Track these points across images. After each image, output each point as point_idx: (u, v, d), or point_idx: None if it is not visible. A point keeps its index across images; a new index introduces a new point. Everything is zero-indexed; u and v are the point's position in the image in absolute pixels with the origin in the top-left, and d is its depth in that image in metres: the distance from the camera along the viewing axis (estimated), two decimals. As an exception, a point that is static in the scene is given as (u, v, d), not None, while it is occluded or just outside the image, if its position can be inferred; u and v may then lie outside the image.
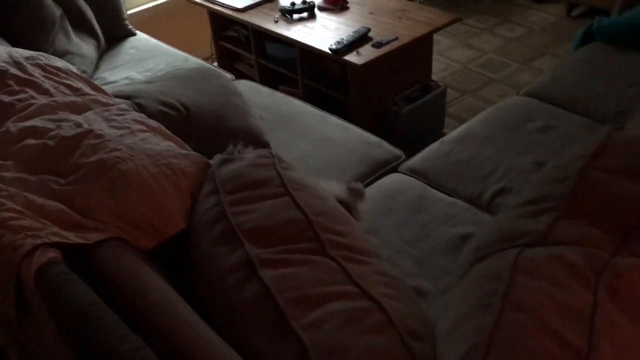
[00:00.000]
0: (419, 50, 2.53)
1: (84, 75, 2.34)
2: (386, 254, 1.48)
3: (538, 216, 1.07)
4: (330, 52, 2.32)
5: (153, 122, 1.45)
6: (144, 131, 1.36)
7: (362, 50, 2.32)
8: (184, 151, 1.32)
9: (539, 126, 1.88)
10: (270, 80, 2.87)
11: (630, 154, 1.14)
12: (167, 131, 1.45)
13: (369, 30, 2.41)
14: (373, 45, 2.33)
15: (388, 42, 2.34)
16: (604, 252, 0.97)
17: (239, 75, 2.99)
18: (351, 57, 2.29)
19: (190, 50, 3.07)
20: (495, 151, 1.80)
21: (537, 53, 3.35)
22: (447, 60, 3.37)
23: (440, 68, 3.29)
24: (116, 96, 1.88)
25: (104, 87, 2.23)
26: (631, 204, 1.05)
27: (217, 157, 1.33)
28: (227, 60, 3.09)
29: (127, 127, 1.36)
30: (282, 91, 2.81)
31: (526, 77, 3.13)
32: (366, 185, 1.78)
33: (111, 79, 2.44)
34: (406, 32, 2.40)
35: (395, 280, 1.05)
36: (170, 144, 1.35)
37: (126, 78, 2.42)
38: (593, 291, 0.88)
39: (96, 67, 2.55)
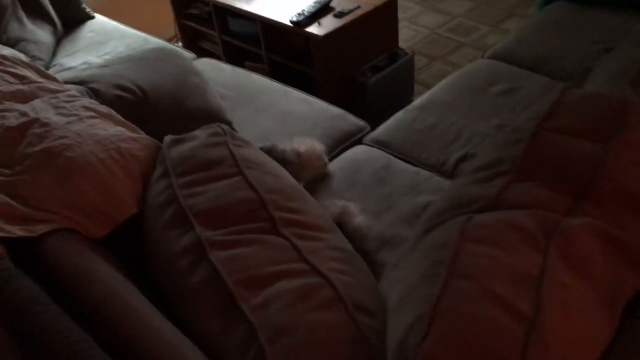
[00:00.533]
0: (383, 17, 2.48)
1: (40, 62, 2.29)
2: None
3: (490, 181, 1.06)
4: (291, 25, 2.28)
5: (103, 108, 1.41)
6: (93, 117, 1.33)
7: (323, 21, 2.28)
8: (134, 135, 1.29)
9: (503, 89, 1.86)
10: (236, 57, 2.81)
11: (582, 112, 1.12)
12: (118, 116, 1.41)
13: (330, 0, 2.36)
14: (335, 15, 2.29)
15: (350, 11, 2.30)
16: (556, 213, 0.96)
17: (205, 53, 2.93)
18: (313, 29, 2.24)
19: (154, 31, 3.00)
20: (459, 117, 1.77)
21: (506, 14, 3.31)
22: (415, 26, 3.32)
23: (409, 35, 3.24)
24: (70, 82, 1.83)
25: (63, 73, 2.18)
26: (584, 163, 1.03)
27: (167, 139, 1.30)
28: (191, 39, 3.03)
29: (76, 114, 1.32)
30: (248, 67, 2.76)
31: (495, 39, 3.10)
32: (331, 159, 1.76)
33: (70, 64, 2.37)
34: (369, 0, 2.36)
35: (348, 255, 1.04)
36: (121, 128, 1.31)
37: (84, 63, 2.35)
38: (543, 254, 0.87)
39: (54, 53, 2.48)
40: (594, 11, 2.15)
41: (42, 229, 1.10)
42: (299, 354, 0.83)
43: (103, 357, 0.85)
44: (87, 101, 1.41)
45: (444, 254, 0.88)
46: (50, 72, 2.34)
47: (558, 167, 1.04)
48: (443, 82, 1.97)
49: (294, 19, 2.27)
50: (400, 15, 3.38)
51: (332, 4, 2.35)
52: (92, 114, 1.34)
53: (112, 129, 1.28)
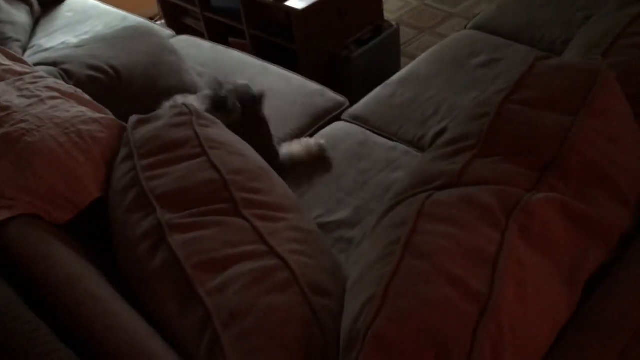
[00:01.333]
0: (366, -11, 2.43)
1: (17, 44, 2.25)
2: (323, 207, 1.44)
3: (455, 156, 1.03)
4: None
5: (68, 87, 1.38)
6: (55, 98, 1.30)
7: (304, -6, 2.23)
8: (95, 115, 1.26)
9: (484, 60, 1.83)
10: (219, 33, 2.77)
11: (550, 83, 1.09)
12: (84, 95, 1.38)
13: (311, -28, 2.31)
14: (315, -12, 2.24)
15: (331, -16, 2.25)
16: (520, 188, 0.94)
17: (188, 30, 2.88)
18: (293, 3, 2.20)
19: (137, 9, 2.96)
20: (438, 90, 1.74)
21: (496, -17, 3.24)
22: (404, -2, 3.26)
23: (396, 7, 3.19)
24: (43, 64, 1.80)
25: (40, 55, 2.15)
26: (550, 136, 1.00)
27: (132, 119, 1.27)
28: (173, 16, 2.98)
29: (37, 96, 1.29)
30: (232, 44, 2.72)
31: (484, 9, 3.03)
32: (309, 136, 1.73)
33: (47, 45, 2.34)
34: (350, -28, 2.31)
35: (308, 235, 1.02)
36: (83, 109, 1.28)
37: (63, 43, 2.32)
38: (502, 231, 0.85)
39: (32, 33, 2.44)
40: (579, -22, 2.10)
41: (3, 215, 1.09)
42: (252, 336, 0.81)
43: (56, 345, 0.85)
44: (51, 81, 1.38)
45: (401, 232, 0.86)
46: (28, 53, 2.31)
47: (524, 141, 1.02)
48: (423, 55, 1.93)
49: (274, -7, 2.22)
50: (388, -14, 3.32)
51: (313, -23, 2.30)
52: (55, 94, 1.31)
53: (74, 110, 1.25)
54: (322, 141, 1.61)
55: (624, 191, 0.97)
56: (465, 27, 2.10)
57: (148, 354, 0.85)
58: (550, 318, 0.82)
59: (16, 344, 0.83)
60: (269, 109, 1.77)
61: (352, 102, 1.87)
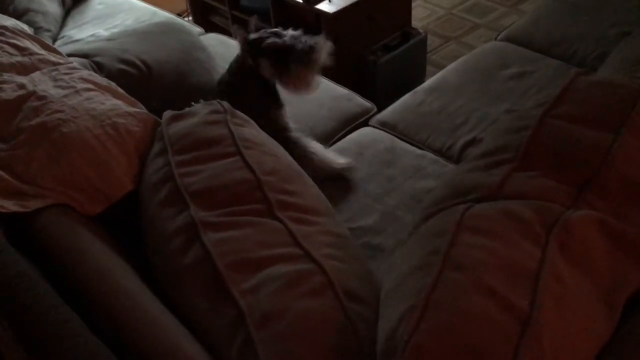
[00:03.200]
0: (396, -4, 2.43)
1: (47, 33, 2.27)
2: (349, 212, 1.44)
3: (493, 168, 1.02)
4: (301, 1, 2.23)
5: (102, 80, 1.38)
6: (90, 90, 1.30)
7: (334, -2, 2.23)
8: (131, 109, 1.26)
9: (515, 72, 1.81)
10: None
11: (591, 99, 1.08)
12: (117, 88, 1.38)
13: (342, -24, 2.31)
14: (346, -8, 2.24)
15: (362, -11, 2.25)
16: (558, 204, 0.93)
17: (215, 28, 2.89)
18: (323, 6, 2.20)
19: (166, 4, 2.96)
20: (468, 100, 1.73)
21: (524, -5, 3.23)
22: (431, 5, 3.25)
23: (423, 14, 3.18)
24: (75, 55, 1.81)
25: (70, 46, 2.16)
26: (589, 153, 0.99)
27: (167, 114, 1.27)
28: (202, 13, 2.99)
29: (73, 87, 1.30)
30: (258, 44, 2.72)
31: (512, 21, 3.01)
32: (336, 141, 1.73)
33: (77, 36, 2.35)
34: (382, -23, 2.30)
35: (342, 240, 1.01)
36: (118, 102, 1.29)
37: (92, 35, 2.33)
38: (542, 247, 0.84)
39: (63, 24, 2.46)
40: (613, -7, 2.08)
41: (35, 204, 1.09)
42: (286, 340, 0.81)
43: (88, 337, 0.84)
44: (86, 73, 1.39)
45: (440, 243, 0.85)
46: (58, 43, 2.32)
47: (563, 156, 1.01)
48: (453, 65, 1.92)
49: (305, -5, 2.22)
50: (415, -7, 3.31)
51: (344, -19, 2.30)
52: (90, 85, 1.32)
53: (109, 103, 1.26)
54: (353, 163, 1.56)
55: (664, 212, 0.95)
56: (495, 38, 2.09)
57: (176, 350, 0.85)
58: (589, 337, 0.81)
59: (49, 333, 0.83)
60: (296, 111, 1.77)
61: (377, 106, 1.87)
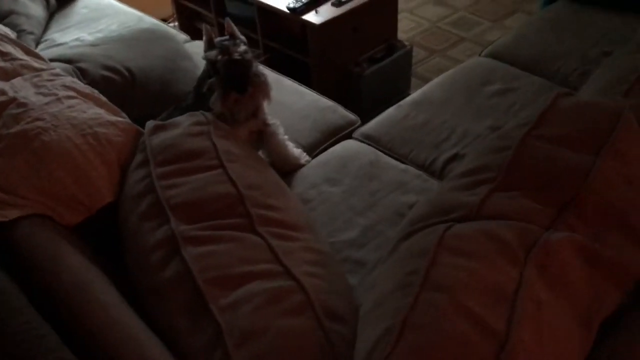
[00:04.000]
0: (382, 8, 2.44)
1: (30, 36, 2.24)
2: (331, 226, 1.43)
3: (474, 188, 1.03)
4: (287, 11, 2.23)
5: (85, 87, 1.37)
6: (72, 98, 1.29)
7: (321, 9, 2.23)
8: (112, 118, 1.25)
9: (499, 89, 1.83)
10: (232, 40, 2.76)
11: (572, 121, 1.10)
12: (100, 96, 1.37)
13: (329, -13, 2.31)
14: (333, 4, 2.25)
15: (349, 1, 2.26)
16: (537, 226, 0.94)
17: (201, 35, 2.88)
18: (310, 17, 2.20)
19: (152, 9, 2.95)
20: (452, 115, 1.74)
21: (509, 10, 3.26)
22: (417, 18, 3.28)
23: (409, 27, 3.20)
24: (58, 60, 1.79)
25: (53, 50, 2.14)
26: (570, 175, 1.00)
27: (150, 124, 1.27)
28: (188, 19, 2.98)
29: (54, 94, 1.29)
30: (244, 52, 2.71)
31: (497, 35, 3.05)
32: (319, 153, 1.73)
33: (61, 40, 2.32)
34: (368, -10, 2.31)
35: (323, 257, 1.01)
36: (100, 111, 1.28)
37: (76, 39, 2.30)
38: (520, 268, 0.85)
39: (46, 27, 2.43)
40: (596, 12, 2.11)
41: (14, 213, 1.08)
42: (264, 359, 0.81)
43: (64, 353, 0.83)
44: (68, 80, 1.38)
45: (420, 263, 0.85)
46: (41, 47, 2.30)
47: (543, 178, 1.02)
48: (438, 79, 1.94)
49: (291, 5, 2.23)
50: (401, 5, 3.32)
51: (331, -8, 2.31)
52: (72, 93, 1.31)
53: (91, 111, 1.24)
54: (308, 159, 1.64)
55: (640, 235, 0.97)
56: (480, 54, 2.11)
57: (157, 369, 0.84)
58: (565, 358, 0.81)
59: (24, 349, 0.82)
60: (280, 122, 1.77)
61: (362, 118, 1.87)
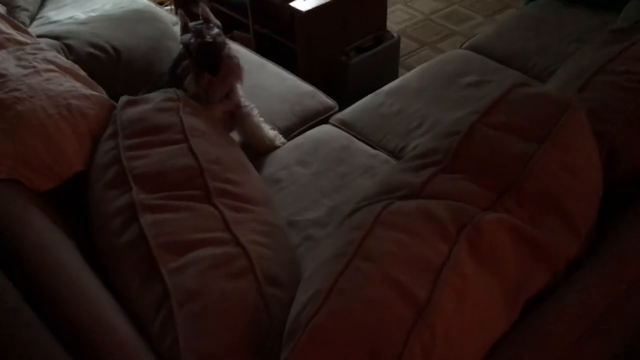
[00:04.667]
0: (371, -1, 2.48)
1: (25, 13, 2.29)
2: (297, 205, 1.49)
3: (421, 170, 1.08)
4: (276, -2, 2.28)
5: (65, 62, 1.42)
6: (51, 71, 1.35)
7: (310, -4, 2.27)
8: (87, 92, 1.31)
9: (473, 80, 1.87)
10: (226, 25, 2.80)
11: (522, 110, 1.14)
12: (80, 72, 1.43)
13: (319, -24, 2.35)
14: (321, -8, 2.29)
15: (337, -10, 2.29)
16: (476, 207, 0.99)
17: (196, 19, 2.92)
18: (297, 4, 2.24)
19: (147, -9, 2.99)
20: (424, 105, 1.79)
21: (502, 5, 3.29)
22: (411, 10, 3.31)
23: (402, 18, 3.23)
24: (47, 36, 1.85)
25: (46, 27, 2.19)
26: (512, 161, 1.05)
27: (123, 99, 1.32)
28: (183, 2, 3.02)
29: (34, 67, 1.34)
30: (236, 37, 2.76)
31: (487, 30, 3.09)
32: (295, 136, 1.78)
33: (55, 18, 2.36)
34: (357, -20, 2.35)
35: (273, 229, 1.07)
36: (77, 84, 1.33)
37: (70, 18, 2.35)
38: (451, 245, 0.90)
39: (42, 4, 2.48)
40: (578, 10, 2.15)
41: (-15, 178, 1.13)
42: (203, 317, 0.86)
43: (23, 309, 0.89)
44: (50, 54, 1.43)
45: (356, 235, 0.90)
46: (35, 23, 2.35)
47: (488, 163, 1.07)
48: (416, 70, 1.98)
49: (280, -8, 2.27)
50: (397, -3, 3.37)
51: (321, -19, 2.35)
52: (52, 67, 1.36)
53: (68, 85, 1.30)
54: (283, 141, 1.70)
55: (575, 221, 1.02)
56: (460, 46, 2.15)
57: (106, 325, 0.90)
58: (486, 330, 0.87)
59: None
60: (259, 106, 1.82)
61: (346, 107, 1.92)
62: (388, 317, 0.78)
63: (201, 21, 1.49)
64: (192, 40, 1.42)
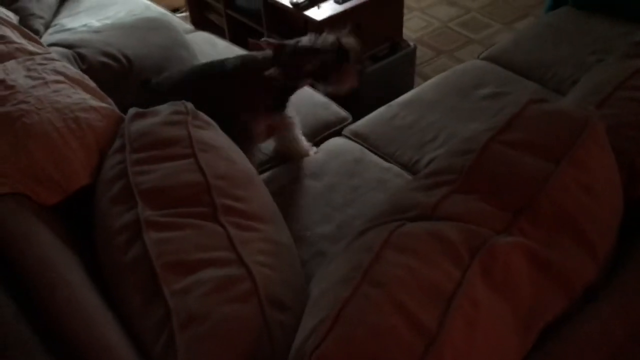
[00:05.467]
0: (387, 6, 2.45)
1: (40, 20, 2.30)
2: (308, 219, 1.46)
3: (434, 189, 1.05)
4: (291, 6, 2.26)
5: (75, 73, 1.41)
6: (59, 82, 1.33)
7: (324, 5, 2.25)
8: (96, 104, 1.29)
9: (490, 92, 1.84)
10: (241, 32, 2.80)
11: (539, 128, 1.10)
12: (90, 83, 1.41)
13: (334, -16, 2.33)
14: (336, 1, 2.27)
15: (352, -2, 2.27)
16: (489, 229, 0.95)
17: (212, 26, 2.92)
18: (311, 12, 2.22)
19: (163, -1, 3.00)
20: (440, 117, 1.76)
21: (521, 14, 3.25)
22: (428, 17, 3.28)
23: (419, 26, 3.20)
24: (60, 45, 1.85)
25: (60, 34, 2.19)
26: (528, 180, 1.01)
27: (131, 112, 1.30)
28: (198, 10, 3.02)
29: (43, 78, 1.33)
30: (250, 44, 2.75)
31: (504, 39, 3.04)
32: (308, 147, 1.75)
33: (70, 25, 2.37)
34: (373, -12, 2.33)
35: (280, 248, 1.04)
36: (85, 96, 1.32)
37: (85, 25, 2.36)
38: (463, 270, 0.86)
39: (57, 12, 2.49)
40: (598, 20, 2.10)
41: (-8, 191, 1.12)
42: (204, 341, 0.84)
43: (20, 325, 0.88)
44: (59, 64, 1.42)
45: (364, 258, 0.87)
46: (50, 31, 2.36)
47: (503, 182, 1.03)
48: (432, 80, 1.95)
49: (295, 0, 2.25)
50: (413, 4, 3.34)
51: (335, -11, 2.32)
52: (61, 78, 1.35)
53: (76, 96, 1.28)
54: (316, 150, 1.70)
55: (593, 243, 0.98)
56: (478, 57, 2.11)
57: (104, 344, 0.88)
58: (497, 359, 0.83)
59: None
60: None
61: (361, 116, 1.89)
62: (396, 347, 0.75)
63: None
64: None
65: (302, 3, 2.24)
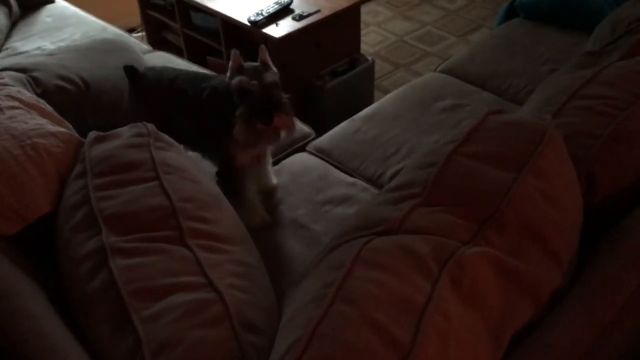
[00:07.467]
0: (344, 23, 2.48)
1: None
2: (276, 239, 1.46)
3: (400, 203, 1.06)
4: (249, 24, 2.26)
5: (30, 98, 1.38)
6: (15, 108, 1.30)
7: (282, 22, 2.26)
8: (54, 129, 1.27)
9: (449, 104, 1.87)
10: (199, 51, 2.79)
11: (499, 139, 1.13)
12: (46, 107, 1.38)
13: (291, 1, 2.35)
14: (294, 18, 2.28)
15: (309, 15, 2.29)
16: (456, 240, 0.96)
17: (169, 45, 2.90)
18: (269, 30, 2.23)
19: (119, 19, 2.97)
20: (401, 130, 1.78)
21: (474, 26, 3.33)
22: (384, 32, 3.33)
23: (376, 40, 3.25)
24: (13, 69, 1.80)
25: (12, 58, 2.15)
26: (491, 191, 1.03)
27: (91, 135, 1.28)
28: (155, 29, 3.00)
29: (-3, 105, 1.30)
30: (209, 63, 2.74)
31: (460, 50, 3.11)
32: (272, 164, 1.75)
33: (23, 49, 2.33)
34: (329, 5, 2.35)
35: (250, 270, 1.03)
36: (42, 121, 1.29)
37: (38, 48, 2.32)
38: (433, 282, 0.87)
39: (8, 35, 2.44)
40: (548, 31, 2.17)
41: (-53, 223, 1.08)
42: (177, 369, 0.82)
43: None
44: (14, 90, 1.39)
45: (336, 275, 0.87)
46: (1, 55, 2.31)
47: (467, 194, 1.05)
48: (391, 94, 1.98)
49: (252, 18, 2.25)
50: (369, 19, 3.39)
51: (293, 7, 2.34)
52: (16, 103, 1.31)
53: (33, 122, 1.25)
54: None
55: (557, 250, 1.00)
56: (435, 70, 2.15)
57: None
58: (471, 371, 0.84)
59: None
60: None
61: (323, 131, 1.90)
62: (371, 364, 0.75)
63: (257, 63, 1.44)
64: (246, 85, 1.37)
65: (259, 21, 2.24)
